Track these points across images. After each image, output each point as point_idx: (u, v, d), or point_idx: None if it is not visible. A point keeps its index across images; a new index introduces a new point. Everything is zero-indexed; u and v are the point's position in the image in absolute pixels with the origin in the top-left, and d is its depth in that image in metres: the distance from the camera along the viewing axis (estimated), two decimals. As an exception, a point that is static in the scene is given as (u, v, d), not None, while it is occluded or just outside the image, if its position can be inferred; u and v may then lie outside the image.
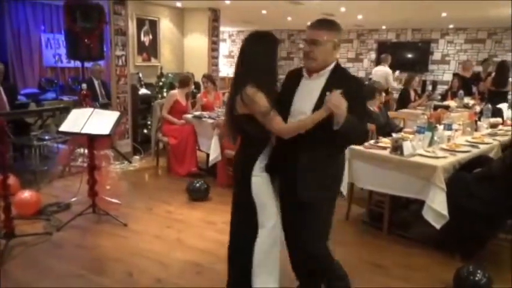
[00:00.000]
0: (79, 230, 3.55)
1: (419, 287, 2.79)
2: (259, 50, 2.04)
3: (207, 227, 3.71)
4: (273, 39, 2.09)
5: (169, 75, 7.06)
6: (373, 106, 4.41)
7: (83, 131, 3.48)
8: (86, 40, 4.23)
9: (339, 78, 2.01)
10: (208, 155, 4.88)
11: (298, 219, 2.13)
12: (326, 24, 2.03)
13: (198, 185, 4.36)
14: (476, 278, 2.58)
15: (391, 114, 5.21)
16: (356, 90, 2.01)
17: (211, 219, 3.86)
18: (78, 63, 5.09)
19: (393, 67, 8.01)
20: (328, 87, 1.97)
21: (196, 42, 7.96)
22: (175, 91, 5.42)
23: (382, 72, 7.62)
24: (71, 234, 3.46)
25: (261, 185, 2.12)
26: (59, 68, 7.96)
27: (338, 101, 1.86)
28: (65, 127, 3.54)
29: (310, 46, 2.01)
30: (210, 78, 5.84)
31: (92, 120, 3.52)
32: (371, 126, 4.01)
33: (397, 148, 3.31)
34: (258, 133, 2.06)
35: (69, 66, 7.87)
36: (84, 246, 3.28)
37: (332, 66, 2.05)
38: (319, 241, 2.15)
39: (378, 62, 11.33)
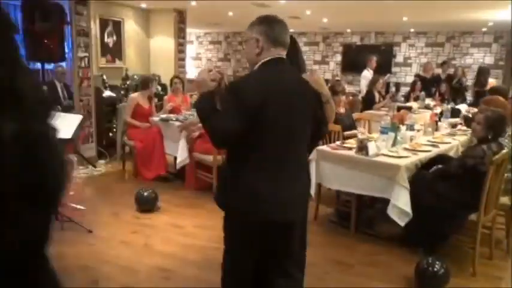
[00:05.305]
0: (41, 238, 3.41)
1: (381, 283, 2.87)
2: None
3: (175, 232, 3.66)
4: None
5: (135, 77, 6.91)
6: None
7: (44, 136, 3.35)
8: (45, 41, 4.06)
9: None
10: (175, 158, 4.81)
11: None
12: (251, 22, 1.89)
13: (145, 194, 4.04)
14: (435, 269, 2.71)
15: (356, 115, 5.33)
16: (227, 91, 1.81)
17: (180, 223, 3.81)
18: (38, 65, 4.90)
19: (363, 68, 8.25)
20: None
21: (163, 43, 7.84)
22: (135, 94, 5.31)
23: (364, 76, 7.97)
24: (32, 243, 3.31)
25: None
26: (18, 69, 7.65)
27: (199, 74, 1.86)
28: (24, 131, 3.38)
29: None
30: (182, 80, 5.84)
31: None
32: (336, 127, 4.09)
33: (362, 148, 3.38)
34: None
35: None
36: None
37: (257, 65, 1.83)
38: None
39: (343, 64, 11.62)
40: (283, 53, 1.83)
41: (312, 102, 1.91)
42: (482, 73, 7.63)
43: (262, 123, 1.70)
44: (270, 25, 1.81)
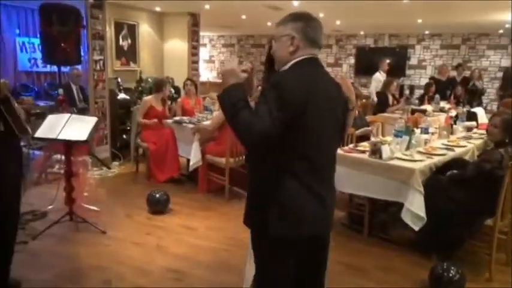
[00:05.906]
0: (56, 238, 3.46)
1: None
2: None
3: (187, 233, 3.67)
4: None
5: (149, 79, 6.98)
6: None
7: (60, 137, 3.41)
8: (62, 44, 4.13)
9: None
10: (188, 160, 4.84)
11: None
12: (283, 17, 1.71)
13: (157, 196, 4.06)
14: (450, 275, 2.67)
15: (370, 118, 5.29)
16: (267, 87, 1.57)
17: (192, 225, 3.83)
18: (54, 68, 4.99)
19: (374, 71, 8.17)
20: None
21: (176, 46, 7.91)
22: (149, 97, 5.37)
23: (375, 79, 7.93)
24: (48, 243, 3.37)
25: None
26: (35, 72, 7.77)
27: (227, 63, 1.63)
28: (40, 133, 3.45)
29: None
30: (194, 82, 5.87)
31: (68, 126, 3.45)
32: (349, 130, 4.07)
33: (375, 152, 3.35)
34: None
35: (45, 71, 7.69)
36: (62, 255, 3.19)
37: (290, 64, 1.65)
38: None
39: (356, 67, 11.55)
40: (318, 54, 1.69)
41: (343, 107, 1.79)
42: (507, 76, 7.26)
43: (303, 127, 1.55)
44: (307, 22, 1.64)
